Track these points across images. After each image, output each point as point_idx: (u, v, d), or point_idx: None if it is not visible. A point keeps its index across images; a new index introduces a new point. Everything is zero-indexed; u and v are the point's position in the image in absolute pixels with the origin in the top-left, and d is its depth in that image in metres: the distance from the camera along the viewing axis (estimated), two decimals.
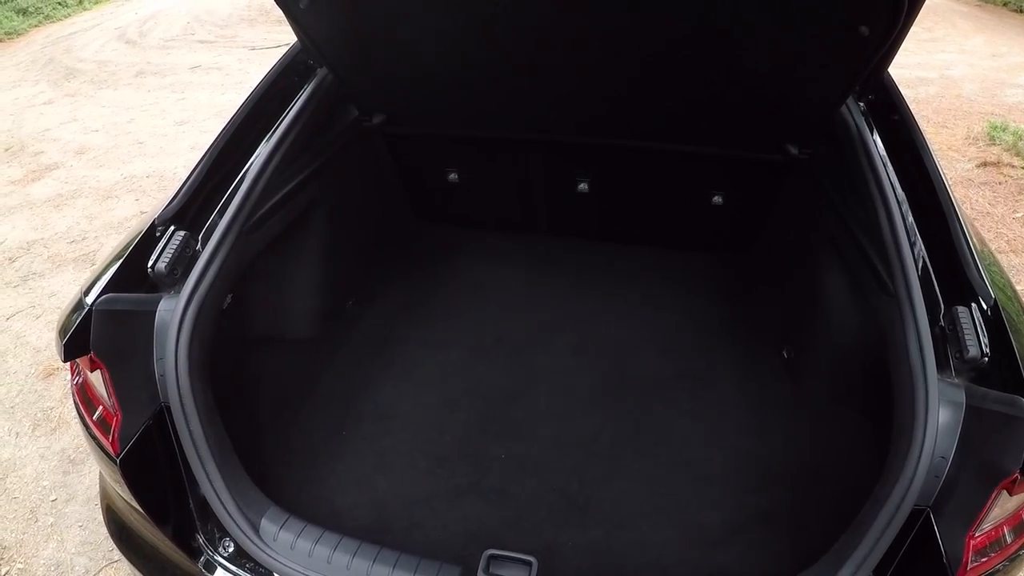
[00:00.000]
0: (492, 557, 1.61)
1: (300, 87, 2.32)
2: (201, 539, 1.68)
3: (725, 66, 2.12)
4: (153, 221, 1.84)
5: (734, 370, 2.67)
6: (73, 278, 4.27)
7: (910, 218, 1.85)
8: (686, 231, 3.22)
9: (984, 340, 1.52)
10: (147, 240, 1.81)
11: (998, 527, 1.45)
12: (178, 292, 1.72)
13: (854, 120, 2.13)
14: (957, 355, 1.53)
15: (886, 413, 1.66)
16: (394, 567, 1.56)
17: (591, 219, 3.25)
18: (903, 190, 1.93)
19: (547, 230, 3.35)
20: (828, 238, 2.34)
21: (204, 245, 1.82)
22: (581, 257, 3.30)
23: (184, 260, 1.77)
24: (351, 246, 2.79)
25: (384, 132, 2.82)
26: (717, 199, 2.91)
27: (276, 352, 2.42)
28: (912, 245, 1.76)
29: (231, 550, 1.66)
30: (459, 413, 2.49)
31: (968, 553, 1.40)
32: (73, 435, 3.13)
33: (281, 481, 2.16)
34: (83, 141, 6.35)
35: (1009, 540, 1.46)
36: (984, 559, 1.43)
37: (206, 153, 2.03)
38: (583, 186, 2.98)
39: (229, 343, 1.95)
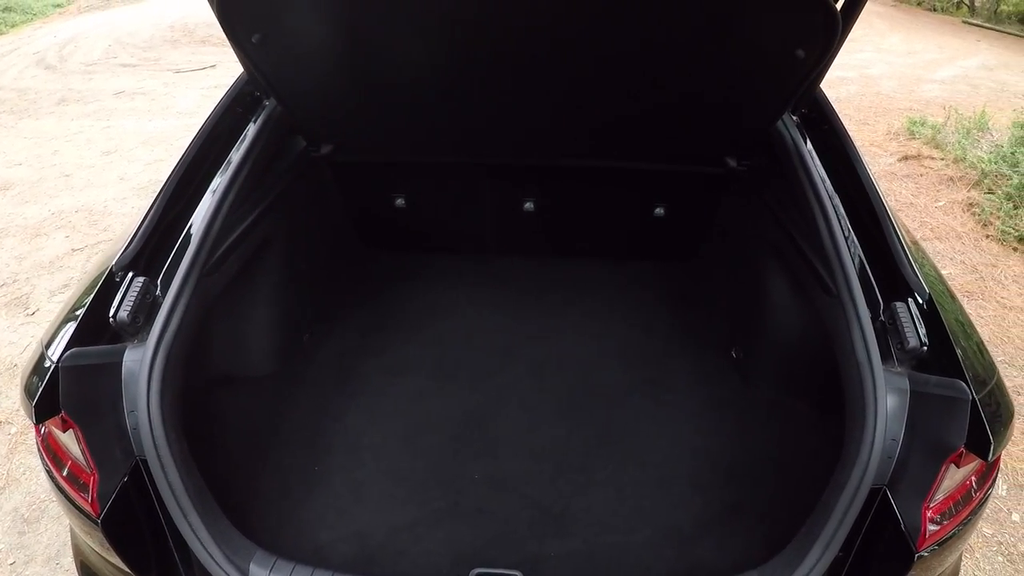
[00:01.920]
0: None
1: (247, 120, 2.32)
2: None
3: (667, 89, 2.21)
4: (111, 268, 1.80)
5: (688, 373, 2.76)
6: (6, 324, 4.09)
7: (846, 222, 1.98)
8: (632, 242, 3.31)
9: (922, 331, 1.65)
10: (105, 288, 1.77)
11: (949, 497, 1.57)
12: (142, 341, 1.68)
13: (789, 132, 2.25)
14: (899, 346, 1.66)
15: (833, 403, 1.78)
16: None
17: (538, 236, 3.31)
18: (838, 195, 2.06)
19: (496, 250, 3.39)
20: (770, 244, 2.46)
21: (164, 290, 1.79)
22: (531, 274, 3.35)
23: (146, 307, 1.74)
24: (304, 279, 2.78)
25: (331, 162, 2.82)
26: (660, 211, 3.00)
27: (238, 392, 2.39)
28: (850, 247, 1.88)
29: None
30: (428, 437, 2.50)
31: (925, 523, 1.52)
32: (25, 492, 2.99)
33: (260, 523, 2.14)
34: (6, 176, 6.10)
35: (960, 507, 1.58)
36: (940, 526, 1.55)
37: (158, 194, 1.99)
38: (529, 205, 3.04)
39: (193, 388, 1.92)
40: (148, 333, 1.69)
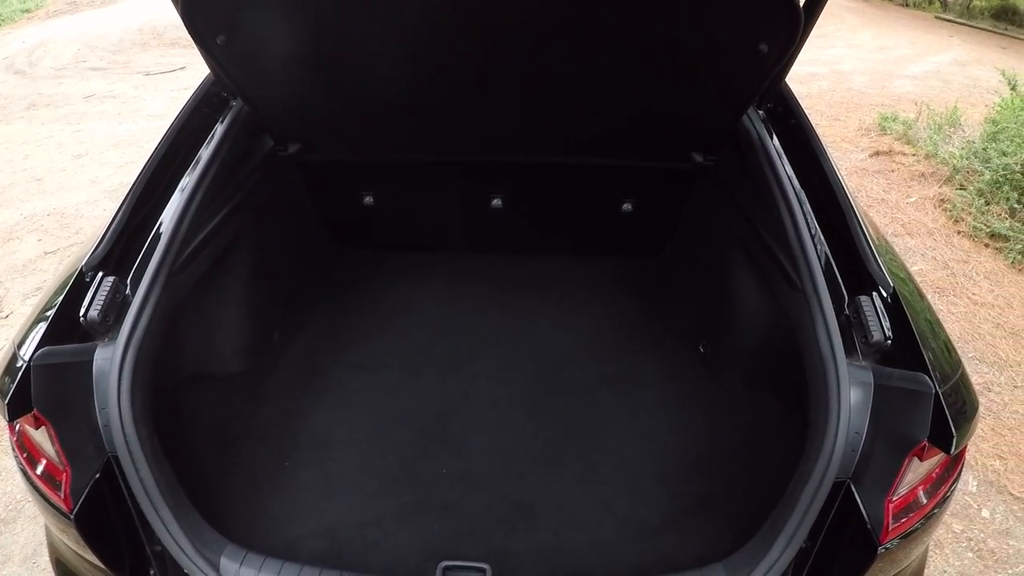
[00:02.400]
0: (447, 568, 1.67)
1: (214, 120, 2.32)
2: None
3: (631, 85, 2.23)
4: (81, 268, 1.81)
5: (656, 368, 2.78)
6: None
7: (811, 216, 1.99)
8: (600, 238, 3.33)
9: (886, 325, 1.66)
10: (76, 288, 1.78)
11: (913, 490, 1.59)
12: (113, 339, 1.70)
13: (755, 128, 2.28)
14: (863, 340, 1.68)
15: (799, 397, 1.80)
16: None
17: (507, 233, 3.32)
18: (803, 190, 2.08)
19: (465, 247, 3.41)
20: (736, 238, 2.48)
21: (134, 289, 1.80)
22: (500, 271, 3.36)
23: (115, 306, 1.75)
24: (273, 278, 2.78)
25: (299, 161, 2.82)
26: (627, 206, 3.02)
27: (209, 390, 2.40)
28: (815, 242, 1.90)
29: None
30: (398, 433, 2.52)
31: (888, 516, 1.54)
32: (1, 493, 3.00)
33: (231, 518, 2.15)
34: None
35: (924, 501, 1.60)
36: (903, 520, 1.57)
37: (127, 195, 2.00)
38: (497, 202, 3.05)
39: (164, 386, 1.93)
40: (118, 332, 1.71)
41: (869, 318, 1.67)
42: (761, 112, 2.37)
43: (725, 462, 2.37)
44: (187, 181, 2.09)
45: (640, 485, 2.31)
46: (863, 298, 1.73)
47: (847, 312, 1.75)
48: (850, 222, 1.92)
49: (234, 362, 2.55)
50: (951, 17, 13.77)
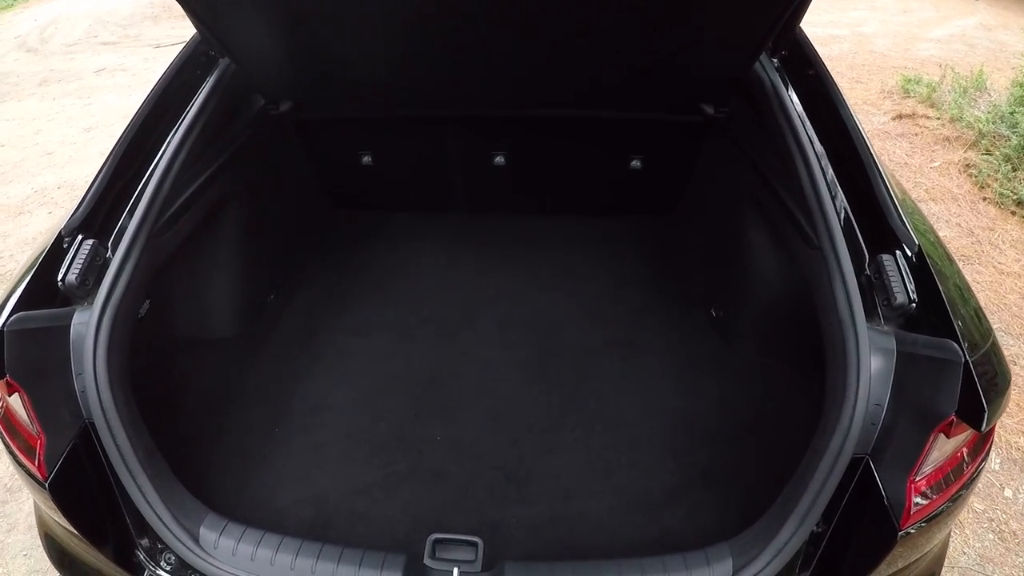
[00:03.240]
0: (438, 541, 1.60)
1: (203, 80, 2.24)
2: (141, 555, 1.62)
3: (635, 32, 2.09)
4: (60, 232, 1.75)
5: (664, 333, 2.69)
6: None
7: (830, 171, 1.85)
8: (607, 197, 3.23)
9: (911, 286, 1.53)
10: (55, 252, 1.72)
11: (938, 470, 1.46)
12: (91, 303, 1.65)
13: (768, 77, 2.13)
14: (885, 303, 1.55)
15: (817, 365, 1.68)
16: (338, 562, 1.54)
17: (510, 192, 3.23)
18: (821, 143, 1.93)
19: (466, 207, 3.33)
20: (750, 195, 2.37)
21: (114, 252, 1.75)
22: (502, 231, 3.28)
23: (95, 269, 1.70)
24: (267, 239, 2.73)
25: (292, 119, 2.74)
26: (636, 163, 2.91)
27: (200, 354, 2.36)
28: (833, 197, 1.76)
29: (173, 563, 1.61)
30: (391, 398, 2.47)
31: (910, 497, 1.41)
32: (7, 463, 2.98)
33: (219, 486, 2.12)
34: None
35: (950, 481, 1.48)
36: (927, 502, 1.44)
37: (109, 156, 1.94)
38: (499, 159, 2.95)
39: (151, 350, 1.89)
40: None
41: (892, 278, 1.54)
42: (775, 60, 2.22)
43: (735, 433, 2.27)
44: (170, 141, 2.02)
45: (642, 456, 2.23)
46: (885, 257, 1.59)
47: (868, 272, 1.62)
48: (871, 176, 1.78)
49: (225, 325, 2.51)
50: None
